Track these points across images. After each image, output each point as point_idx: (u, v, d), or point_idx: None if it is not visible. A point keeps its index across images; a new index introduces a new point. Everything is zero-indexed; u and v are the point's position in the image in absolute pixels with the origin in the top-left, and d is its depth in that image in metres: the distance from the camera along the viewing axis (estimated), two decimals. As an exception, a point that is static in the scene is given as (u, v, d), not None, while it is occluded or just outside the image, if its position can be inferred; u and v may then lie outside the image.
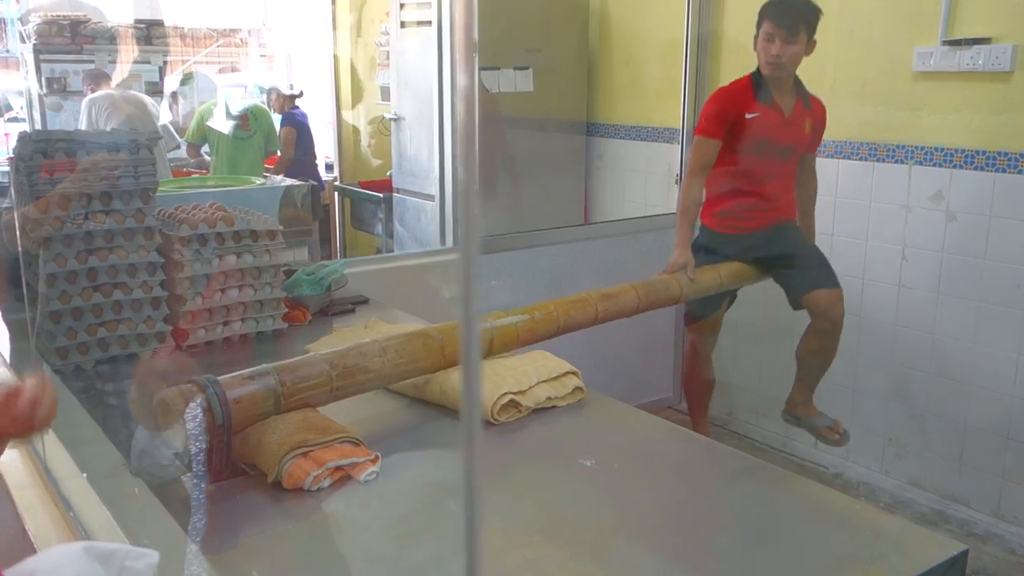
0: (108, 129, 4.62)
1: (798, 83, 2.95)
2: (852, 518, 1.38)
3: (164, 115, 5.69)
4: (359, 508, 1.37)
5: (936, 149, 3.10)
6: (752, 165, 2.94)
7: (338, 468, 1.41)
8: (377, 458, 1.46)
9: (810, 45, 2.83)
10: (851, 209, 3.38)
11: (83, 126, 4.84)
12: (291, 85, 5.86)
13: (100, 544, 1.00)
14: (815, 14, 2.83)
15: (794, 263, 2.97)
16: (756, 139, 2.87)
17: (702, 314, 3.20)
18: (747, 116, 2.86)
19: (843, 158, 3.40)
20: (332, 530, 1.33)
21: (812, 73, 3.47)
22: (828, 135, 3.43)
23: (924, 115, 3.13)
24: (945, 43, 3.00)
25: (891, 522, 1.41)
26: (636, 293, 2.54)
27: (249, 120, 5.22)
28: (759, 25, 2.84)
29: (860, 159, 3.34)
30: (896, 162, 3.22)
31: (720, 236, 3.04)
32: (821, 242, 3.49)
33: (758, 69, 2.88)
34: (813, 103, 3.00)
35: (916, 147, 3.16)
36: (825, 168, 3.46)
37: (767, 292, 3.73)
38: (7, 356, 2.04)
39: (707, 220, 3.09)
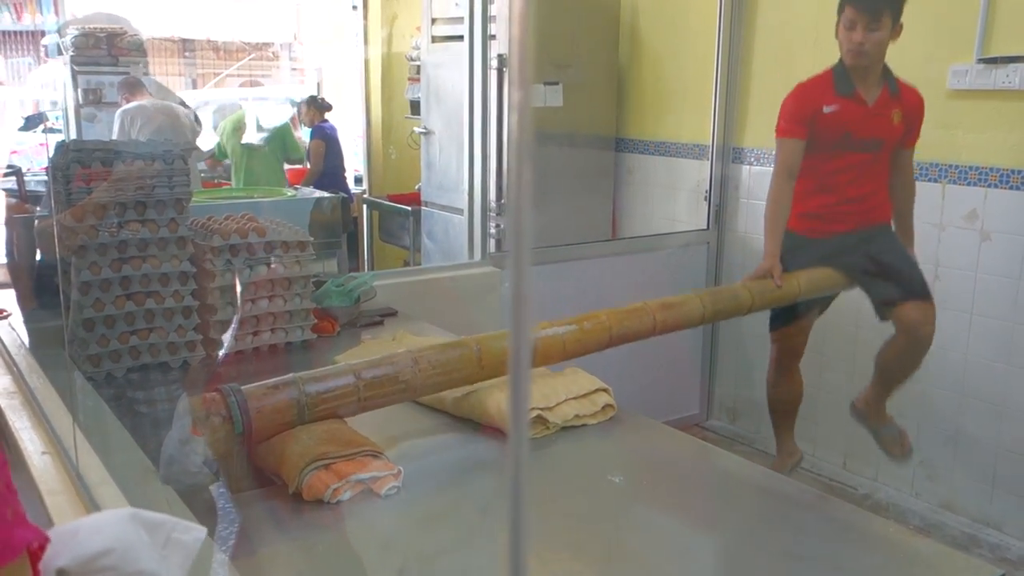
0: (141, 138, 4.69)
1: (886, 71, 2.74)
2: (885, 540, 1.36)
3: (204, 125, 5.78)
4: (378, 522, 1.37)
5: (971, 168, 3.06)
6: (836, 162, 2.77)
7: (359, 482, 1.41)
8: (400, 473, 1.45)
9: (896, 30, 2.65)
10: (883, 227, 3.35)
11: (116, 136, 4.91)
12: (321, 98, 5.92)
13: (148, 512, 0.98)
14: None
15: (884, 271, 2.77)
16: (837, 134, 2.72)
17: (786, 321, 2.98)
18: (825, 110, 2.71)
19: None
20: (348, 544, 1.33)
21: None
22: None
23: (959, 133, 3.09)
24: (980, 61, 2.97)
25: (925, 545, 1.38)
26: (701, 302, 2.37)
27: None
28: (840, 11, 2.67)
29: (893, 177, 3.30)
30: (930, 180, 3.18)
31: (804, 240, 2.84)
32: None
33: (841, 59, 2.72)
34: (904, 92, 2.77)
35: (950, 165, 3.12)
36: (857, 186, 3.42)
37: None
38: (35, 361, 2.06)
39: (790, 223, 2.88)
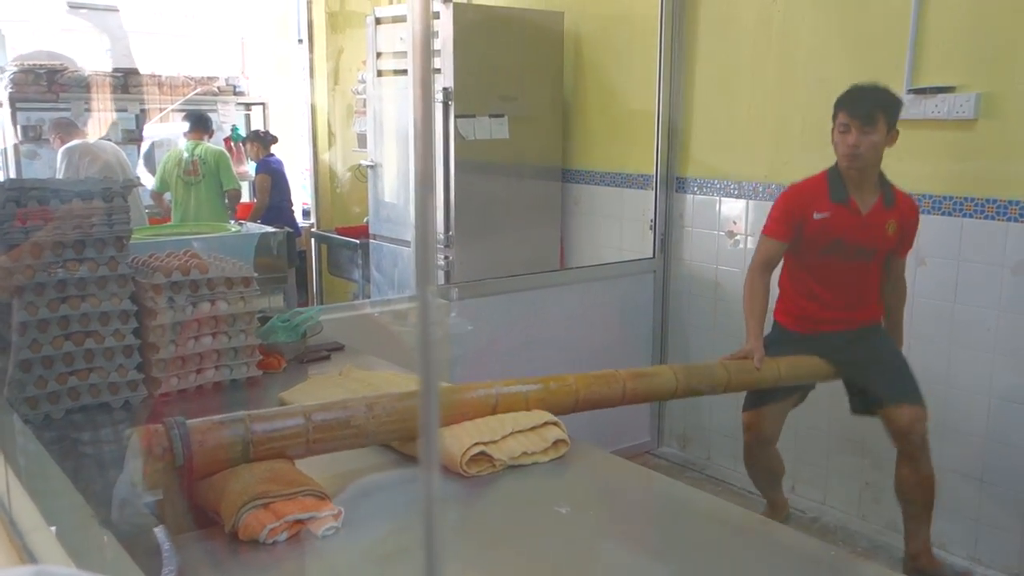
0: (89, 175, 4.63)
1: (882, 179, 2.75)
2: (830, 565, 1.38)
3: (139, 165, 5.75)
4: (311, 563, 1.34)
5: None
6: (828, 266, 2.78)
7: (297, 522, 1.38)
8: (340, 513, 1.41)
9: (891, 136, 2.66)
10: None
11: (61, 174, 4.84)
12: (265, 132, 5.89)
13: (54, 568, 0.94)
14: (895, 103, 2.68)
15: (873, 370, 2.78)
16: (827, 240, 2.73)
17: (759, 403, 2.91)
18: (816, 216, 2.71)
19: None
20: None
21: (783, 123, 3.55)
22: (796, 180, 3.49)
23: (892, 161, 3.18)
24: (911, 92, 3.08)
25: (868, 569, 1.41)
26: (674, 375, 2.32)
27: (199, 164, 5.28)
28: (835, 117, 2.69)
29: (830, 204, 3.39)
30: (866, 207, 3.27)
31: (793, 335, 2.87)
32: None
33: (836, 164, 2.73)
34: (900, 202, 2.76)
35: (885, 193, 3.21)
36: (797, 213, 3.50)
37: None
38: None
39: (780, 318, 2.95)
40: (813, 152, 3.42)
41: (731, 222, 3.78)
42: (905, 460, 2.75)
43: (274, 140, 5.74)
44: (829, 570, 1.36)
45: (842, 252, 2.74)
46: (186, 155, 5.34)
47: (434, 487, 0.45)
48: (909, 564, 2.85)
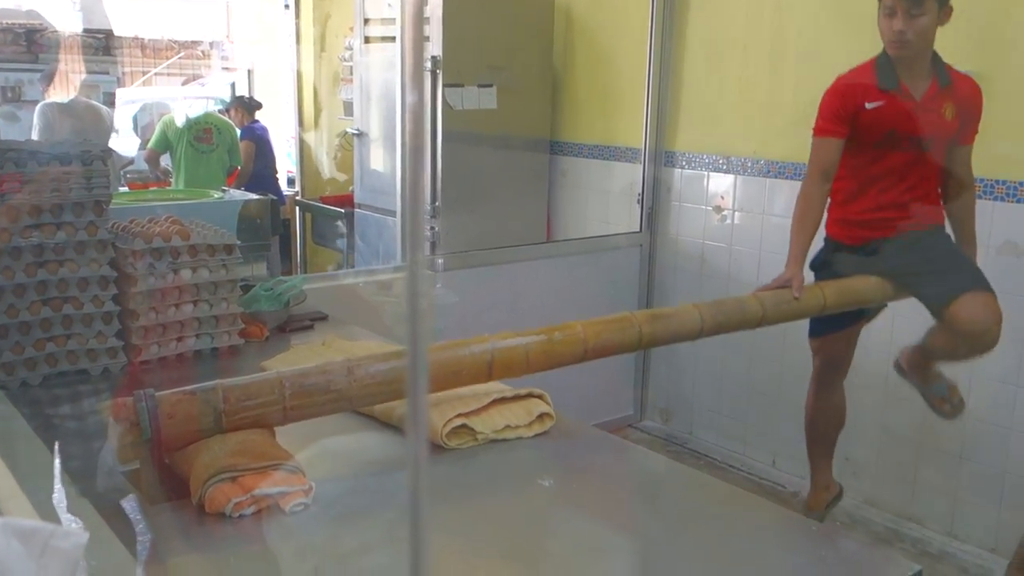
0: (64, 134, 4.56)
1: (936, 60, 2.49)
2: (808, 538, 1.39)
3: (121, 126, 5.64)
4: (275, 538, 1.32)
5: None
6: (880, 163, 2.52)
7: (265, 496, 1.34)
8: (311, 488, 1.38)
9: (944, 12, 2.37)
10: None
11: (36, 134, 4.75)
12: (250, 98, 5.81)
13: (21, 520, 0.90)
14: None
15: (934, 269, 2.49)
16: (881, 132, 2.47)
17: (824, 329, 2.71)
18: (867, 106, 2.46)
19: (800, 180, 3.43)
20: (242, 561, 1.27)
21: (773, 98, 3.53)
22: (786, 156, 3.48)
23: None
24: (901, 68, 3.05)
25: (847, 543, 1.42)
26: (699, 313, 2.07)
27: (212, 133, 5.17)
28: None
29: (818, 181, 3.38)
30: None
31: (844, 247, 2.63)
32: (775, 260, 3.54)
33: (884, 50, 2.47)
34: (957, 82, 2.50)
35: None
36: (782, 190, 3.50)
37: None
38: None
39: (831, 229, 2.68)
40: (803, 129, 3.39)
41: (719, 197, 3.77)
42: (959, 343, 2.47)
43: (258, 106, 5.67)
44: (810, 544, 1.36)
45: (897, 143, 2.48)
46: (198, 121, 5.21)
47: (422, 464, 0.44)
48: (901, 364, 2.74)
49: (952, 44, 2.93)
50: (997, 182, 2.88)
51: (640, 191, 4.01)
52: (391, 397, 1.61)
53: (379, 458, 1.64)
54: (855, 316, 2.65)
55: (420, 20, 0.44)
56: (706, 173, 3.81)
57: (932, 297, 2.46)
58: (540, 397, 1.73)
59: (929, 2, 2.33)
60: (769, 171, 3.55)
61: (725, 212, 3.75)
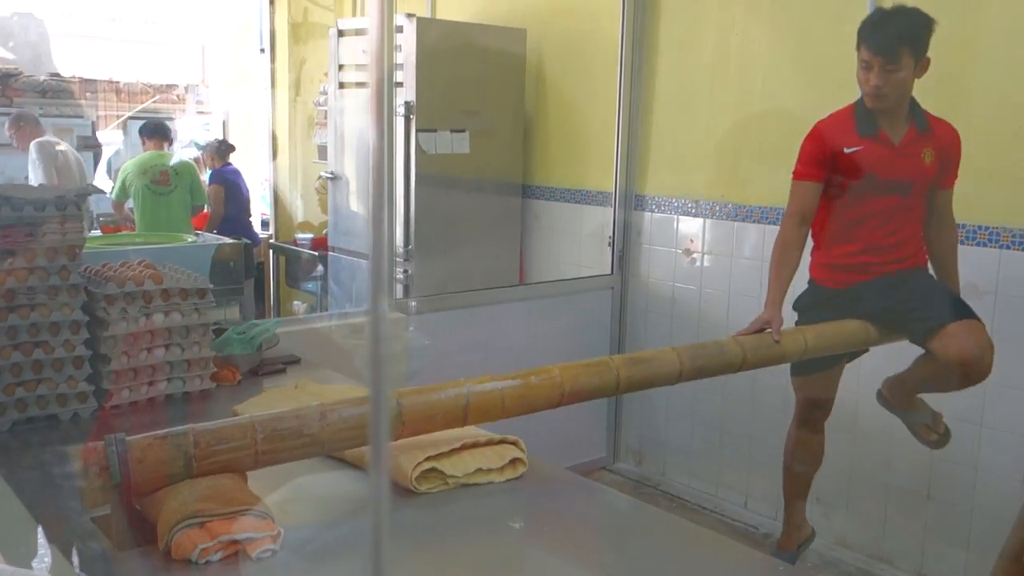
0: (58, 169, 4.58)
1: (914, 106, 2.51)
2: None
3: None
4: None
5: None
6: (861, 208, 2.54)
7: (232, 542, 1.33)
8: (279, 534, 1.37)
9: (921, 65, 2.40)
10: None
11: (41, 168, 4.75)
12: (222, 140, 5.83)
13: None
14: (922, 29, 2.39)
15: (919, 305, 2.48)
16: (860, 176, 2.49)
17: (806, 369, 2.67)
18: (846, 151, 2.48)
19: (768, 223, 3.51)
20: None
21: (740, 143, 3.61)
22: (754, 200, 3.55)
23: (844, 183, 3.26)
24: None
25: (813, 582, 1.44)
26: (678, 357, 2.05)
27: (169, 175, 5.19)
28: (857, 48, 2.45)
29: (785, 225, 3.45)
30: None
31: (829, 292, 2.62)
32: (745, 301, 3.59)
33: (862, 97, 2.51)
34: (936, 128, 2.53)
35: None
36: (750, 233, 3.57)
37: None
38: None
39: (814, 272, 2.69)
40: (770, 174, 3.49)
41: (688, 240, 3.83)
42: (951, 374, 2.44)
43: (231, 149, 5.69)
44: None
45: (877, 189, 2.50)
46: (153, 164, 5.23)
47: (383, 509, 0.46)
48: (884, 393, 2.71)
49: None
50: (960, 226, 2.96)
51: (611, 234, 4.06)
52: (364, 442, 1.60)
53: (350, 502, 1.63)
54: (837, 356, 2.64)
55: (384, 60, 0.47)
56: (675, 216, 3.88)
57: (920, 331, 2.46)
58: (515, 444, 1.72)
59: (905, 57, 2.37)
60: (737, 215, 3.62)
61: (695, 255, 3.81)
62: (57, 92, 5.55)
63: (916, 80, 2.44)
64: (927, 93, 2.95)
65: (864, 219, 2.57)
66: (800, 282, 2.68)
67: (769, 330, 2.35)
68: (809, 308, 2.64)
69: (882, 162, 2.48)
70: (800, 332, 2.42)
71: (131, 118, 6.46)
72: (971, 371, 2.40)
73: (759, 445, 3.56)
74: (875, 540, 3.26)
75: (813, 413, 2.81)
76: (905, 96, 2.46)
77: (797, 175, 2.58)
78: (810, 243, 2.66)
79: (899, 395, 2.72)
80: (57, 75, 5.67)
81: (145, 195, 5.12)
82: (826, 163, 2.52)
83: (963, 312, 2.46)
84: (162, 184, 5.16)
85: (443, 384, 1.69)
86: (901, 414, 2.76)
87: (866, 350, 2.70)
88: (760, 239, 3.54)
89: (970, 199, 2.94)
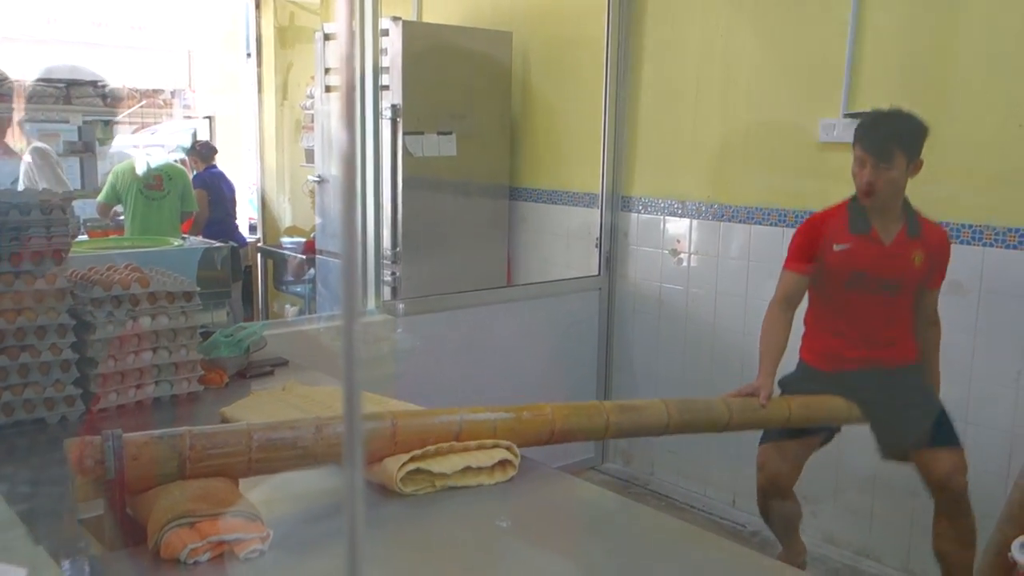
0: (50, 175, 4.57)
1: (907, 207, 2.58)
2: (758, 572, 1.42)
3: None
4: None
5: (840, 215, 3.24)
6: (852, 302, 2.61)
7: (221, 542, 1.34)
8: (268, 536, 1.37)
9: (914, 166, 2.49)
10: (763, 272, 3.50)
11: (36, 172, 4.73)
12: (203, 143, 5.81)
13: None
14: (915, 132, 2.48)
15: (906, 413, 2.57)
16: (848, 273, 2.57)
17: (776, 437, 2.66)
18: (835, 247, 2.56)
19: (754, 223, 3.53)
20: None
21: (725, 145, 3.63)
22: (739, 200, 3.58)
23: (830, 183, 3.28)
24: (847, 115, 3.18)
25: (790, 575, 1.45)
26: (667, 409, 2.13)
27: (163, 180, 5.17)
28: (853, 147, 2.54)
29: (770, 224, 3.48)
30: (804, 227, 3.36)
31: (819, 374, 2.68)
32: (731, 302, 3.61)
33: (855, 196, 2.58)
34: (927, 231, 2.58)
35: (822, 213, 3.31)
36: (737, 233, 3.59)
37: (691, 350, 3.82)
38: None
39: (805, 355, 2.76)
40: (755, 174, 3.52)
41: (675, 240, 3.85)
42: (943, 514, 2.54)
43: (214, 151, 5.68)
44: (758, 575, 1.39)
45: (866, 286, 2.57)
46: (146, 168, 5.20)
47: (358, 509, 0.47)
48: None
49: (894, 92, 3.06)
50: (940, 224, 2.98)
51: (598, 235, 4.08)
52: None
53: (336, 499, 1.64)
54: (810, 432, 2.65)
55: (352, 62, 0.48)
56: (662, 217, 3.90)
57: (901, 439, 2.56)
58: (508, 448, 1.71)
59: (898, 157, 2.44)
60: (723, 215, 3.64)
61: (681, 255, 3.83)
62: (43, 97, 5.53)
63: (909, 179, 2.51)
64: (913, 94, 2.99)
65: (854, 313, 2.63)
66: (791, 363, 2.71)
67: (758, 395, 2.42)
68: (796, 383, 2.67)
69: (871, 260, 2.55)
70: (785, 400, 2.49)
71: (117, 123, 6.44)
72: (945, 493, 2.50)
73: (746, 443, 3.56)
74: (862, 537, 3.28)
75: (775, 491, 2.69)
76: (897, 195, 2.53)
77: (786, 264, 2.67)
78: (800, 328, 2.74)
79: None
80: (43, 81, 5.65)
81: (138, 199, 5.10)
82: (813, 258, 2.60)
83: (949, 438, 2.54)
84: (156, 188, 5.14)
85: (437, 410, 1.74)
86: None
87: (835, 435, 2.75)
88: (746, 239, 3.56)
89: (954, 198, 2.97)
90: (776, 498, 2.71)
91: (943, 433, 2.54)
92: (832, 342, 2.68)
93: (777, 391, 2.54)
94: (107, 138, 6.14)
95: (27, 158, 4.81)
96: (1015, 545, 2.57)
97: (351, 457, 0.46)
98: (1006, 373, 2.89)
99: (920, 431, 2.54)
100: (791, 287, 2.63)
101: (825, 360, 2.69)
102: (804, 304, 2.72)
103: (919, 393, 2.63)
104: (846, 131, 3.16)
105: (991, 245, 2.91)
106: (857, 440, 3.16)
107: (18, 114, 5.37)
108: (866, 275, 2.56)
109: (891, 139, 2.45)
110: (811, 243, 2.61)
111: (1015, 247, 2.87)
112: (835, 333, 2.68)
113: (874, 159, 2.45)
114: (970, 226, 2.96)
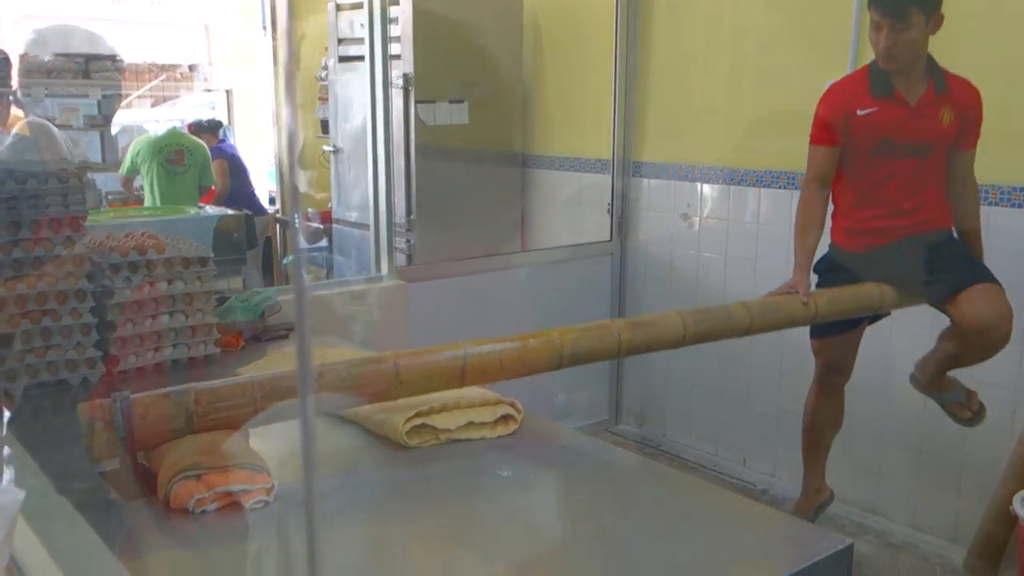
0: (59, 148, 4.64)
1: (932, 65, 2.46)
2: (750, 518, 1.47)
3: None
4: (235, 535, 1.36)
5: (849, 177, 3.25)
6: (878, 171, 2.51)
7: (227, 493, 1.39)
8: (273, 487, 1.42)
9: (934, 22, 2.37)
10: (773, 235, 3.52)
11: (40, 146, 4.80)
12: (208, 120, 5.87)
13: None
14: None
15: (939, 270, 2.46)
16: (875, 139, 2.47)
17: (824, 331, 2.65)
18: (860, 113, 2.46)
19: (764, 187, 3.55)
20: (199, 557, 1.33)
21: (733, 109, 3.64)
22: (749, 164, 3.59)
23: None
24: (854, 77, 3.18)
25: (786, 521, 1.50)
26: (682, 320, 2.01)
27: (184, 155, 5.24)
28: (868, 9, 2.42)
29: (780, 187, 3.49)
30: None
31: (850, 255, 2.61)
32: (742, 265, 3.64)
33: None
34: (954, 86, 2.47)
35: (830, 175, 3.31)
36: (747, 197, 3.61)
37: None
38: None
39: (835, 237, 2.68)
40: (765, 138, 3.53)
41: (686, 205, 3.87)
42: (967, 345, 2.45)
43: (218, 125, 5.76)
44: (751, 523, 1.44)
45: (893, 151, 2.47)
46: (168, 143, 5.27)
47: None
48: (915, 373, 2.69)
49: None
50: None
51: (610, 201, 4.11)
52: (365, 401, 1.65)
53: (346, 456, 1.71)
54: (856, 320, 2.61)
55: (293, 37, 0.52)
56: (673, 182, 3.92)
57: (937, 293, 2.45)
58: (511, 404, 1.74)
59: (915, 15, 2.33)
60: (733, 179, 3.66)
61: (692, 220, 3.86)
62: (62, 72, 5.61)
63: (930, 36, 2.41)
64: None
65: (883, 182, 2.53)
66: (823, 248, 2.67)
67: (796, 293, 2.37)
68: (830, 271, 2.62)
69: (898, 124, 2.45)
70: (812, 297, 2.40)
71: (138, 97, 6.52)
72: (988, 338, 2.39)
73: (757, 404, 3.62)
74: (869, 494, 3.33)
75: (832, 376, 2.79)
76: (919, 55, 2.42)
77: (813, 139, 2.56)
78: (831, 207, 2.65)
79: (930, 375, 2.68)
80: (63, 55, 5.73)
81: (159, 173, 5.17)
82: (838, 127, 2.50)
83: (981, 276, 2.43)
84: (177, 164, 5.21)
85: (441, 346, 1.71)
86: (935, 395, 2.73)
87: (888, 313, 2.67)
88: (756, 203, 3.58)
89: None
90: (834, 384, 2.74)
91: (985, 273, 2.43)
92: (862, 215, 2.58)
93: (814, 279, 2.49)
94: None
95: (34, 133, 4.86)
96: (1016, 499, 2.61)
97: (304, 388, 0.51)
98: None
99: (959, 273, 2.43)
100: (822, 162, 2.54)
101: (857, 238, 2.60)
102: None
103: (955, 250, 2.53)
104: (854, 92, 3.16)
105: (996, 204, 2.91)
106: (862, 400, 3.20)
107: (39, 90, 5.46)
108: (892, 140, 2.46)
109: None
110: (834, 112, 2.51)
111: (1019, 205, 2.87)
112: (865, 205, 2.57)
113: (891, 20, 2.34)
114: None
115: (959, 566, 2.99)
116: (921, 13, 2.34)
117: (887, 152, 2.48)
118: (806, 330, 2.78)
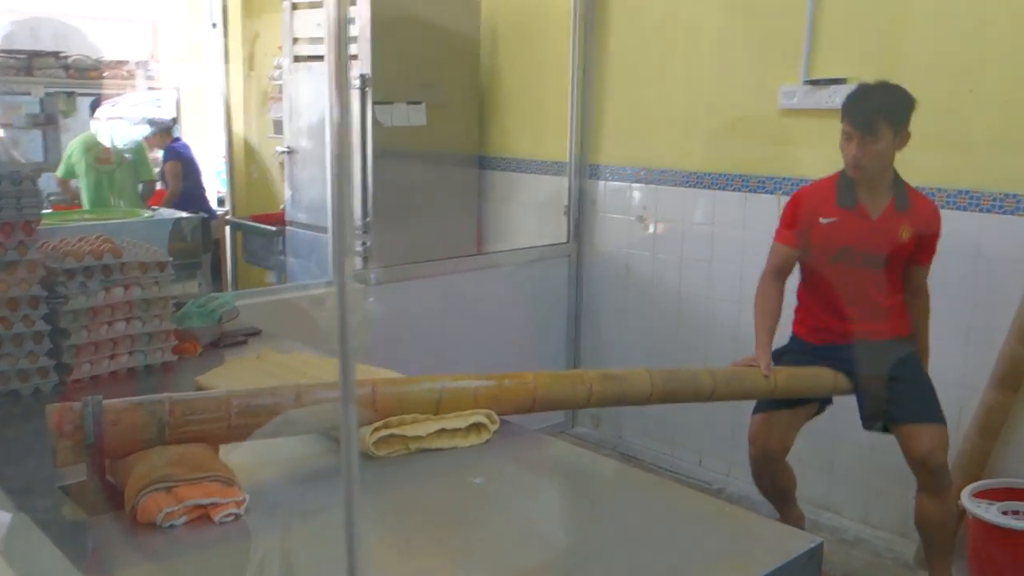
0: None
1: (896, 181, 2.57)
2: (723, 519, 1.49)
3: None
4: (196, 548, 1.33)
5: (802, 180, 3.29)
6: (837, 277, 2.62)
7: (196, 507, 1.36)
8: (244, 501, 1.39)
9: (901, 139, 2.48)
10: (726, 237, 3.57)
11: None
12: (160, 120, 5.77)
13: None
14: (901, 105, 2.47)
15: (892, 386, 2.58)
16: (835, 247, 2.58)
17: (767, 407, 2.70)
18: (822, 221, 2.57)
19: (718, 189, 3.59)
20: (168, 571, 1.30)
21: (689, 112, 3.68)
22: (704, 167, 3.64)
23: (790, 149, 3.35)
24: (807, 83, 3.24)
25: (756, 521, 1.53)
26: (650, 378, 2.11)
27: (112, 152, 5.15)
28: (841, 121, 2.52)
29: (733, 190, 3.55)
30: (766, 192, 3.43)
31: (809, 347, 2.70)
32: (697, 267, 3.68)
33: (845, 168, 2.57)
34: (916, 205, 2.57)
35: (784, 179, 3.38)
36: (701, 199, 3.66)
37: (657, 314, 3.89)
38: None
39: (797, 329, 2.79)
40: (718, 141, 3.57)
41: (642, 207, 3.90)
42: (924, 490, 2.59)
43: (171, 124, 5.66)
44: (721, 523, 1.46)
45: (852, 260, 2.58)
46: (97, 142, 5.18)
47: (354, 472, 0.51)
48: None
49: (853, 58, 3.13)
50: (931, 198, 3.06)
51: (567, 203, 4.13)
52: (336, 425, 1.63)
53: (316, 465, 1.69)
54: (801, 402, 2.69)
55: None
56: (629, 184, 3.95)
57: (887, 417, 2.60)
58: (486, 415, 1.74)
59: (884, 130, 2.44)
60: (688, 181, 3.70)
61: (648, 222, 3.89)
62: (3, 69, 5.45)
63: (897, 152, 2.52)
64: (866, 60, 3.06)
65: (843, 287, 2.63)
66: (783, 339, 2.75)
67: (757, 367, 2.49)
68: (789, 355, 2.69)
69: (858, 235, 2.56)
70: (772, 371, 2.51)
71: (81, 94, 6.36)
72: (923, 466, 2.54)
73: (712, 405, 3.65)
74: (822, 491, 3.39)
75: (767, 463, 2.76)
76: (886, 168, 2.53)
77: (776, 236, 2.69)
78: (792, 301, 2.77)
79: None
80: (4, 52, 5.57)
81: (89, 172, 5.10)
82: (801, 231, 2.62)
83: (930, 416, 2.56)
84: (104, 162, 5.13)
85: (418, 377, 1.75)
86: None
87: (823, 410, 2.79)
88: (711, 205, 3.63)
89: (910, 161, 3.04)
90: (768, 469, 2.76)
91: (927, 409, 2.57)
92: (822, 315, 2.70)
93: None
94: (70, 110, 6.07)
95: None
96: (965, 493, 2.69)
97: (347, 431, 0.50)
98: (950, 328, 2.99)
99: (905, 405, 2.57)
100: (780, 259, 2.66)
101: (815, 333, 2.71)
102: (797, 278, 2.76)
103: (907, 367, 2.64)
104: (806, 98, 3.23)
105: (943, 207, 2.99)
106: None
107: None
108: (852, 249, 2.57)
109: (877, 112, 2.45)
110: (797, 217, 2.63)
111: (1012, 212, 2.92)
112: (824, 307, 2.69)
113: (860, 133, 2.45)
114: (923, 188, 3.03)
115: (910, 560, 3.07)
116: (890, 128, 2.45)
117: (846, 260, 2.59)
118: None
